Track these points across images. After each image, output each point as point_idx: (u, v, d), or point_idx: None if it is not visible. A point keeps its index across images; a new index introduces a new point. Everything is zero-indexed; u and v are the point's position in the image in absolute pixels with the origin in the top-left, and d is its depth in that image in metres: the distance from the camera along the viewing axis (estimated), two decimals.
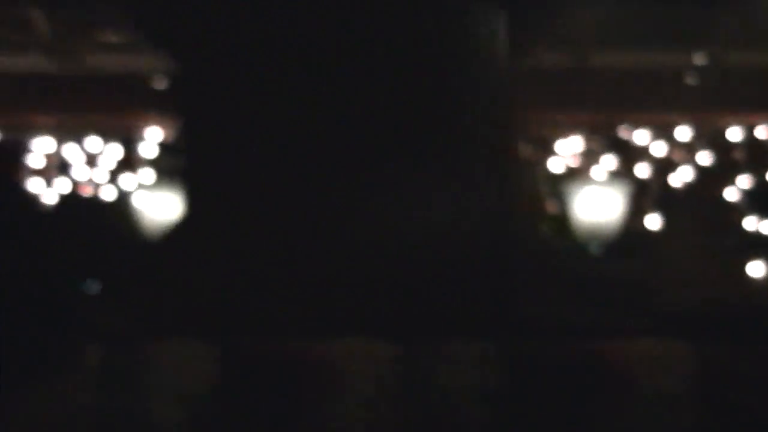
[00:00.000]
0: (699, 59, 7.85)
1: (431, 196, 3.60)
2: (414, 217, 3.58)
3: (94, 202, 7.64)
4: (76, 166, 7.65)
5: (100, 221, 7.33)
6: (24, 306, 1.67)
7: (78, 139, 7.60)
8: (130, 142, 7.70)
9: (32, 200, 6.81)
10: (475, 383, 3.09)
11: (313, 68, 3.75)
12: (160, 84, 6.82)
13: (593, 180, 7.90)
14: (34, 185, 7.37)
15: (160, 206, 7.09)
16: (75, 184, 7.61)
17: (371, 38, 3.64)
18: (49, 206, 7.01)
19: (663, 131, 8.26)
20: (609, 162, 8.29)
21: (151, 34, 3.82)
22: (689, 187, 8.26)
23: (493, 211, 3.66)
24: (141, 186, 7.40)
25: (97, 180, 7.71)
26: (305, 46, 3.73)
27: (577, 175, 8.07)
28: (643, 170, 8.25)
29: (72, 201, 7.37)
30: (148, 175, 7.63)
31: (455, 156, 3.62)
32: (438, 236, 3.54)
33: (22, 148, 7.12)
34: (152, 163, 7.62)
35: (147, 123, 7.50)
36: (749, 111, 8.22)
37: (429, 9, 3.57)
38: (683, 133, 8.21)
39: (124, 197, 7.70)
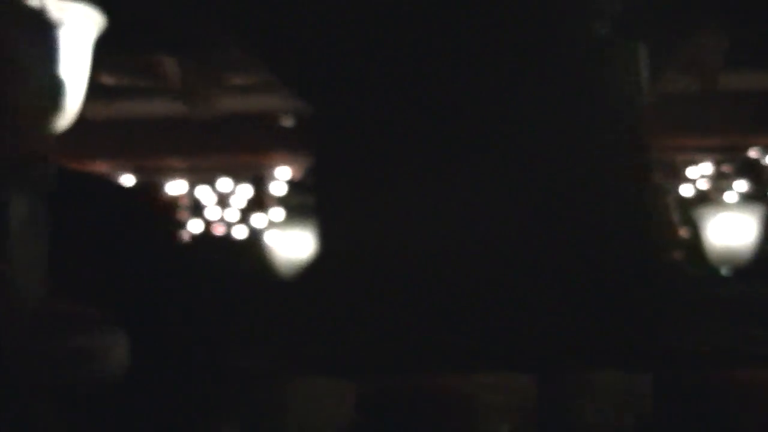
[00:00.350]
0: None
1: (573, 227, 3.55)
2: (557, 248, 3.53)
3: (227, 242, 7.77)
4: (208, 206, 7.80)
5: (232, 261, 7.44)
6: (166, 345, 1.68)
7: (209, 180, 7.75)
8: (260, 182, 7.82)
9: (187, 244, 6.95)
10: (621, 416, 3.02)
11: (445, 105, 3.75)
12: (290, 123, 6.90)
13: (725, 204, 7.72)
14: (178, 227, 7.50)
15: (292, 244, 7.16)
16: (207, 224, 7.75)
17: (510, 67, 3.62)
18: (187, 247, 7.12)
19: None
20: (740, 185, 8.10)
21: (281, 75, 3.87)
22: None
23: (635, 238, 3.59)
24: (272, 225, 7.50)
25: (228, 220, 7.84)
26: (436, 85, 3.73)
27: (708, 199, 7.90)
28: None
29: (205, 241, 7.51)
30: (279, 214, 7.73)
31: (597, 184, 3.56)
32: (581, 266, 3.48)
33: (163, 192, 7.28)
34: (283, 201, 7.71)
35: (277, 162, 7.60)
36: None
37: (569, 38, 3.54)
38: None
39: (255, 236, 7.81)
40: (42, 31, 1.77)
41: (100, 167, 6.77)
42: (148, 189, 6.17)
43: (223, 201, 7.83)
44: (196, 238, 7.48)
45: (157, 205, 1.92)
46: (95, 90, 3.49)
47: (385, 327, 3.69)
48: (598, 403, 3.03)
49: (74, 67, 3.05)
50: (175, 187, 7.62)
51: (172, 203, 6.37)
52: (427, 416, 3.22)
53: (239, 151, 7.39)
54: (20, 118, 1.72)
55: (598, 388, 3.05)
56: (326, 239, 3.97)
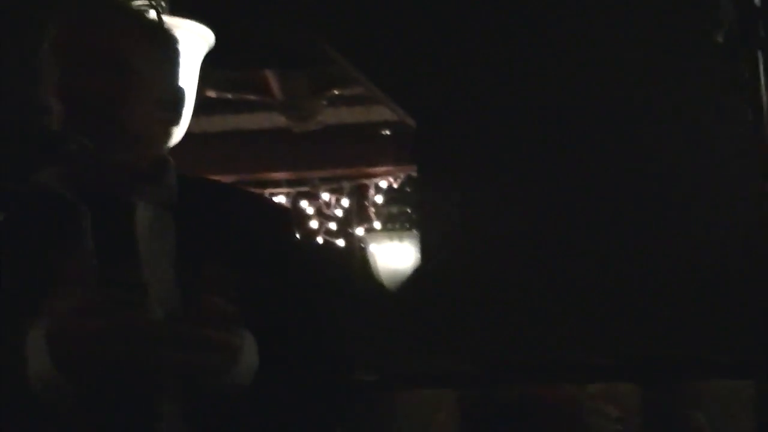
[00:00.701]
0: None
1: (700, 236, 3.50)
2: (682, 259, 3.48)
3: (330, 253, 7.79)
4: (310, 218, 7.84)
5: (335, 273, 7.47)
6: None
7: (312, 192, 7.79)
8: (361, 193, 7.83)
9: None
10: (736, 425, 2.96)
11: (550, 113, 3.73)
12: (390, 135, 6.91)
13: None
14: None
15: (393, 255, 7.16)
16: (310, 235, 7.78)
17: (633, 77, 3.59)
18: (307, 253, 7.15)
19: None
20: None
21: (385, 87, 3.88)
22: None
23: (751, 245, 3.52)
24: (374, 236, 7.50)
25: (331, 231, 7.87)
26: (546, 94, 3.71)
27: None
28: None
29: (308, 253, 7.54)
30: (381, 225, 7.73)
31: (728, 203, 3.50)
32: (707, 274, 3.43)
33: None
34: (386, 213, 7.71)
35: (378, 173, 7.61)
36: None
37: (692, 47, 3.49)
38: None
39: (358, 248, 7.83)
40: (166, 45, 1.81)
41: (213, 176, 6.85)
42: (265, 196, 6.23)
43: (325, 213, 7.87)
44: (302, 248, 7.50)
45: (277, 210, 1.92)
46: (199, 104, 3.54)
47: (490, 336, 3.68)
48: (706, 411, 2.98)
49: (185, 82, 3.09)
50: (278, 199, 7.68)
51: (288, 209, 6.42)
52: (536, 425, 3.19)
53: (341, 163, 7.42)
54: (147, 128, 1.76)
55: (706, 395, 3.00)
56: (428, 250, 3.98)
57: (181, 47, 2.83)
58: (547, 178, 3.73)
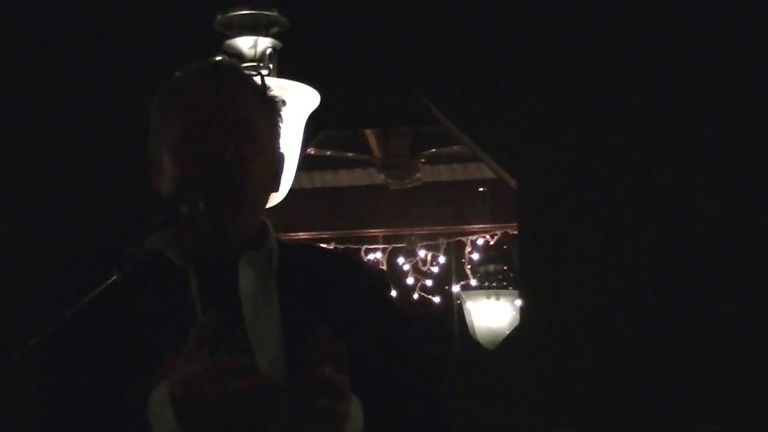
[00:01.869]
0: None
1: None
2: None
3: (427, 310, 7.76)
4: (407, 275, 7.82)
5: (433, 329, 7.42)
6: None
7: (409, 248, 7.78)
8: (459, 251, 7.80)
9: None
10: None
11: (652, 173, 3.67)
12: (490, 193, 6.88)
13: None
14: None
15: (490, 314, 7.10)
16: (407, 292, 7.76)
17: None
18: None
19: None
20: None
21: (487, 146, 3.86)
22: None
23: None
24: (471, 294, 7.45)
25: (427, 288, 7.84)
26: (655, 157, 3.66)
27: None
28: None
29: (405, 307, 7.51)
30: (477, 282, 7.68)
31: None
32: None
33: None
34: (482, 270, 7.66)
35: (476, 231, 7.58)
36: None
37: None
38: None
39: (455, 305, 7.79)
40: (277, 114, 1.81)
41: (302, 236, 6.88)
42: (361, 259, 6.24)
43: (421, 268, 7.84)
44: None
45: (375, 275, 1.92)
46: (307, 162, 3.56)
47: (593, 403, 3.59)
48: None
49: (289, 143, 3.11)
50: (376, 255, 7.68)
51: (385, 273, 6.42)
52: None
53: (437, 220, 7.40)
54: (259, 195, 1.76)
55: None
56: (527, 309, 3.92)
57: (289, 109, 2.86)
58: (656, 240, 3.65)
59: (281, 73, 3.19)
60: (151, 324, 1.62)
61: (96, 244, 1.61)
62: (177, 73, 1.78)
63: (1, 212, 3.87)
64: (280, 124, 1.82)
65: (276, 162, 1.80)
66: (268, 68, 3.15)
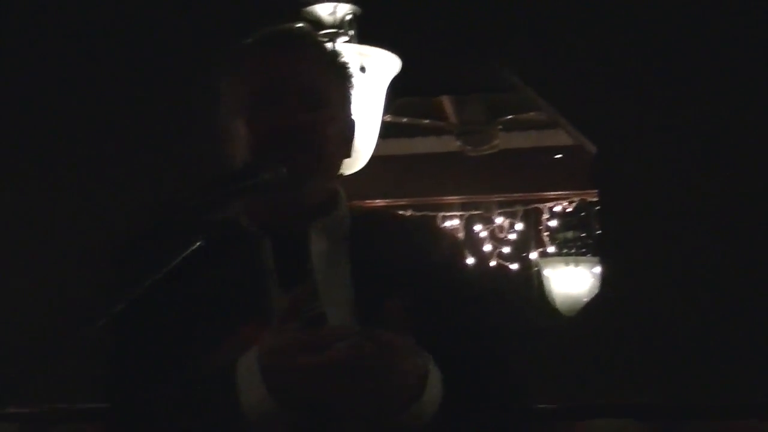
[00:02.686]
0: None
1: None
2: None
3: (503, 278, 7.73)
4: (484, 242, 7.79)
5: (510, 298, 7.39)
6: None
7: (485, 216, 7.75)
8: (536, 218, 7.75)
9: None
10: None
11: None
12: (564, 160, 6.81)
13: None
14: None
15: (568, 281, 7.05)
16: (483, 259, 7.73)
17: None
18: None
19: None
20: None
21: (566, 112, 3.80)
22: None
23: None
24: (549, 261, 7.40)
25: (505, 255, 7.81)
26: (735, 122, 3.57)
27: None
28: None
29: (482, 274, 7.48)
30: (555, 249, 7.64)
31: None
32: None
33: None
34: (560, 238, 7.61)
35: (554, 198, 7.52)
36: None
37: None
38: None
39: (533, 273, 7.75)
40: (349, 80, 1.80)
41: (379, 203, 6.88)
42: (436, 224, 6.23)
43: (498, 235, 7.81)
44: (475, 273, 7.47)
45: (448, 239, 1.90)
46: (383, 129, 3.54)
47: (674, 369, 3.54)
48: None
49: (370, 110, 3.09)
50: (452, 222, 7.66)
51: (458, 237, 6.39)
52: None
53: (515, 187, 7.35)
54: (332, 162, 1.75)
55: None
56: (607, 276, 3.86)
57: (370, 75, 2.84)
58: (742, 207, 3.56)
59: (361, 39, 3.17)
60: (227, 292, 1.62)
61: (177, 211, 1.61)
62: (248, 40, 1.77)
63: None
64: (352, 91, 1.81)
65: (348, 127, 1.80)
66: (348, 34, 3.13)
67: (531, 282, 7.78)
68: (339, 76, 1.78)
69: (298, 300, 1.51)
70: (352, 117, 1.83)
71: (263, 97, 1.69)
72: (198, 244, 1.50)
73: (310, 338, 1.46)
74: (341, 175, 1.84)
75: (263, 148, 1.66)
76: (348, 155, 1.81)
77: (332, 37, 2.98)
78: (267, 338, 1.49)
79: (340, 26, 3.13)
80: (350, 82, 1.81)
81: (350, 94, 1.81)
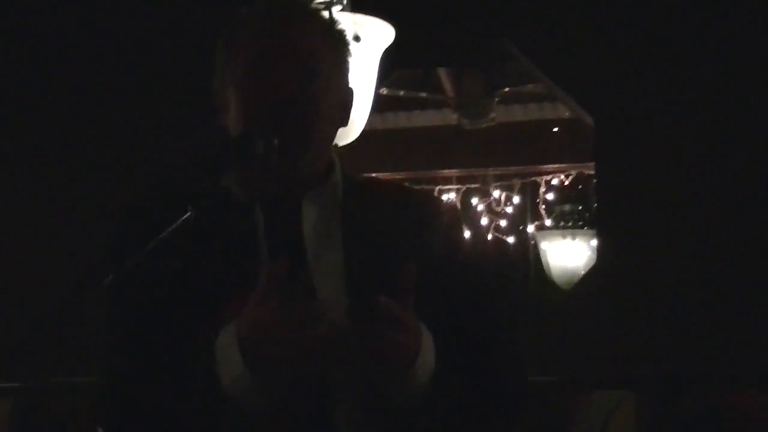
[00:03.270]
0: None
1: None
2: None
3: (500, 251, 7.72)
4: (481, 215, 7.78)
5: (507, 272, 7.39)
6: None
7: (483, 189, 7.74)
8: (533, 191, 7.73)
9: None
10: None
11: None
12: (564, 133, 6.79)
13: None
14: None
15: (566, 254, 7.04)
16: (480, 232, 7.73)
17: None
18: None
19: None
20: None
21: (564, 84, 3.77)
22: None
23: None
24: (546, 234, 7.40)
25: (502, 228, 7.81)
26: (736, 94, 3.55)
27: None
28: None
29: (479, 248, 7.47)
30: (553, 222, 7.62)
31: None
32: None
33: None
34: (557, 211, 7.60)
35: (551, 171, 7.50)
36: None
37: None
38: None
39: (530, 246, 7.74)
40: (344, 48, 1.77)
41: (384, 174, 6.85)
42: (434, 195, 6.21)
43: (495, 209, 7.80)
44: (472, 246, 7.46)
45: (448, 209, 1.88)
46: (379, 102, 3.51)
47: (673, 339, 3.53)
48: None
49: (364, 80, 3.06)
50: (449, 196, 7.65)
51: (456, 207, 6.38)
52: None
53: (512, 160, 7.33)
54: (326, 131, 1.72)
55: None
56: (604, 249, 3.85)
57: (363, 44, 2.80)
58: (739, 180, 3.54)
59: (355, 7, 3.14)
60: (217, 263, 1.60)
61: (170, 181, 1.59)
62: (244, 9, 1.74)
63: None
64: (349, 59, 1.78)
65: (345, 97, 1.77)
66: (342, 3, 3.09)
67: (528, 255, 7.77)
68: (335, 44, 1.75)
69: (280, 269, 1.47)
70: (350, 86, 1.80)
71: (256, 67, 1.67)
72: (188, 214, 1.47)
73: (292, 312, 1.44)
74: (336, 145, 1.81)
75: (255, 119, 1.63)
76: (344, 124, 1.78)
77: (327, 6, 2.94)
78: (248, 311, 1.46)
79: None
80: (347, 50, 1.78)
81: (347, 63, 1.78)
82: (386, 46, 3.16)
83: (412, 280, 1.49)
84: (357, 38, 2.86)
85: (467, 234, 7.37)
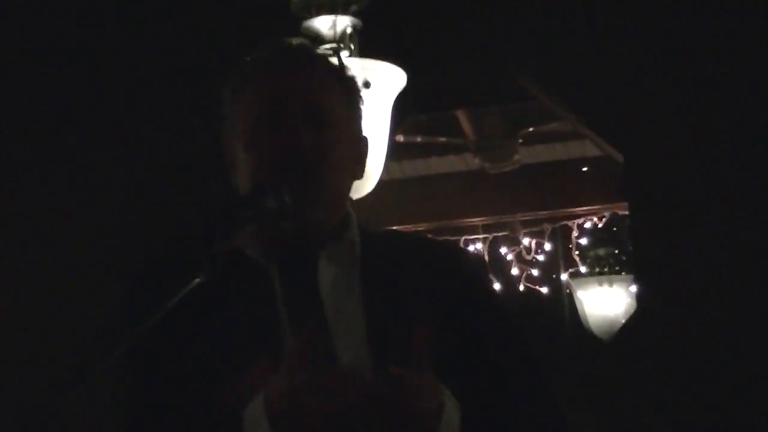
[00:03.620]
0: None
1: None
2: None
3: (533, 300, 7.70)
4: (511, 265, 7.77)
5: (541, 321, 7.36)
6: None
7: (511, 236, 7.72)
8: (566, 236, 7.72)
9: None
10: None
11: None
12: (593, 172, 6.79)
13: None
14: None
15: (603, 302, 7.03)
16: (511, 283, 7.71)
17: None
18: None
19: None
20: None
21: (590, 120, 3.80)
22: None
23: None
24: (581, 282, 7.38)
25: (534, 278, 7.79)
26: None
27: None
28: None
29: (510, 300, 7.46)
30: (588, 269, 7.60)
31: None
32: None
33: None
34: (592, 256, 7.58)
35: (583, 214, 7.49)
36: None
37: None
38: None
39: (563, 293, 7.71)
40: (356, 96, 1.80)
41: (404, 225, 6.86)
42: (457, 245, 6.21)
43: (525, 257, 7.79)
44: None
45: (473, 260, 1.89)
46: (388, 149, 3.54)
47: (717, 398, 3.51)
48: None
49: (377, 127, 3.11)
50: (476, 244, 7.64)
51: (483, 259, 6.37)
52: None
53: (540, 204, 7.33)
54: (341, 184, 1.75)
55: None
56: (644, 295, 3.85)
57: (374, 90, 2.85)
58: None
59: (363, 53, 3.19)
60: (235, 327, 1.62)
61: (181, 244, 1.61)
62: (249, 58, 1.78)
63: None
64: (361, 106, 1.81)
65: (358, 147, 1.79)
66: (349, 48, 3.15)
67: (563, 305, 7.75)
68: (346, 92, 1.77)
69: (307, 339, 1.51)
70: (364, 134, 1.83)
71: (263, 120, 1.69)
72: (197, 280, 1.49)
73: (320, 382, 1.47)
74: (350, 198, 1.84)
75: (264, 174, 1.66)
76: (360, 176, 1.80)
77: (335, 52, 2.99)
78: (274, 382, 1.49)
79: (341, 40, 3.15)
80: (358, 97, 1.81)
81: (360, 111, 1.80)
82: (398, 91, 3.20)
83: (426, 342, 1.51)
84: (367, 84, 2.90)
85: (497, 286, 7.38)
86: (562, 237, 7.78)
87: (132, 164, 3.91)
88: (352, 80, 1.82)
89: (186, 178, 3.75)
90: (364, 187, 3.03)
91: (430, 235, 7.12)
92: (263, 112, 1.70)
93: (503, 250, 7.81)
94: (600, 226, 7.57)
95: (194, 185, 3.62)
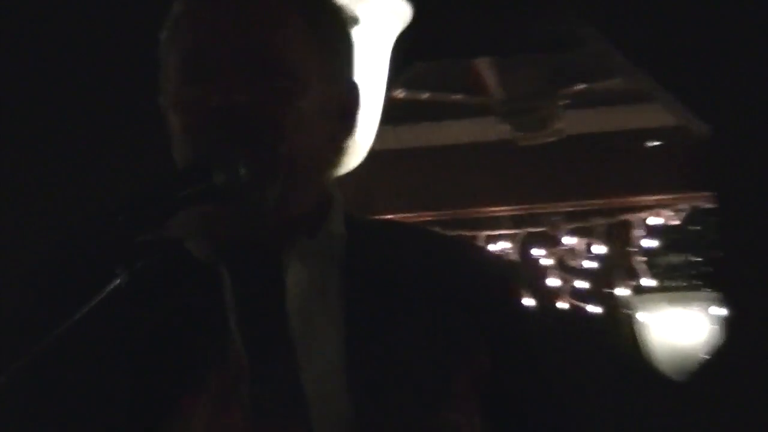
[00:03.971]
0: None
1: None
2: None
3: (579, 323, 7.77)
4: (549, 274, 7.83)
5: (588, 352, 7.43)
6: None
7: (550, 234, 7.78)
8: (621, 234, 7.77)
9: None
10: None
11: None
12: (667, 148, 6.82)
13: None
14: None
15: (677, 328, 7.09)
16: (549, 299, 7.77)
17: None
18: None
19: None
20: None
21: (665, 78, 3.82)
22: None
23: None
24: (646, 299, 7.44)
25: (580, 293, 7.86)
26: None
27: None
28: None
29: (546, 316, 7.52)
30: (656, 282, 7.67)
31: None
32: None
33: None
34: (662, 264, 7.65)
35: (649, 206, 7.53)
36: None
37: None
38: None
39: (621, 317, 7.78)
40: (334, 30, 1.80)
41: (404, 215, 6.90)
42: (475, 244, 6.26)
43: (569, 263, 7.85)
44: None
45: (498, 266, 1.91)
46: (387, 109, 3.57)
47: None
48: None
49: (368, 79, 3.12)
50: (501, 243, 7.68)
51: (512, 265, 6.41)
52: None
53: (590, 191, 7.35)
54: (310, 153, 1.74)
55: None
56: (735, 321, 3.88)
57: (365, 28, 2.86)
58: None
59: None
60: (171, 342, 1.64)
61: (100, 233, 1.61)
62: None
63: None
64: (345, 48, 1.80)
65: (339, 101, 1.77)
66: None
67: (621, 331, 7.80)
68: (316, 26, 1.76)
69: (260, 373, 1.54)
70: (352, 82, 1.81)
71: (188, 70, 1.70)
72: (117, 281, 1.50)
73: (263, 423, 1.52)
74: (333, 175, 1.83)
75: (200, 141, 1.66)
76: (343, 141, 1.79)
77: None
78: (203, 426, 1.53)
79: None
80: (341, 35, 1.80)
81: (341, 54, 1.79)
82: (400, 30, 3.22)
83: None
84: (353, 20, 2.91)
85: (528, 301, 7.42)
86: (619, 237, 7.82)
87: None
88: (330, 11, 1.80)
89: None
90: (348, 159, 3.04)
91: (438, 229, 7.16)
92: (188, 59, 1.70)
93: (538, 252, 7.86)
94: (674, 223, 7.61)
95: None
